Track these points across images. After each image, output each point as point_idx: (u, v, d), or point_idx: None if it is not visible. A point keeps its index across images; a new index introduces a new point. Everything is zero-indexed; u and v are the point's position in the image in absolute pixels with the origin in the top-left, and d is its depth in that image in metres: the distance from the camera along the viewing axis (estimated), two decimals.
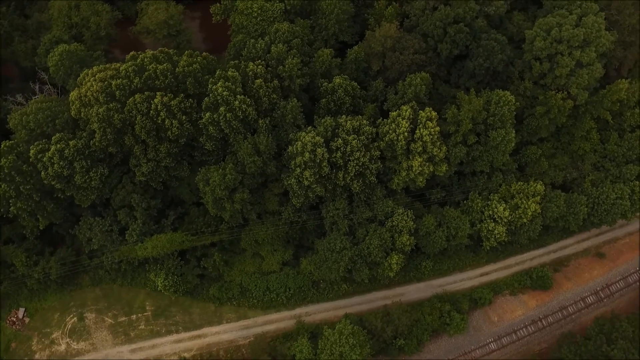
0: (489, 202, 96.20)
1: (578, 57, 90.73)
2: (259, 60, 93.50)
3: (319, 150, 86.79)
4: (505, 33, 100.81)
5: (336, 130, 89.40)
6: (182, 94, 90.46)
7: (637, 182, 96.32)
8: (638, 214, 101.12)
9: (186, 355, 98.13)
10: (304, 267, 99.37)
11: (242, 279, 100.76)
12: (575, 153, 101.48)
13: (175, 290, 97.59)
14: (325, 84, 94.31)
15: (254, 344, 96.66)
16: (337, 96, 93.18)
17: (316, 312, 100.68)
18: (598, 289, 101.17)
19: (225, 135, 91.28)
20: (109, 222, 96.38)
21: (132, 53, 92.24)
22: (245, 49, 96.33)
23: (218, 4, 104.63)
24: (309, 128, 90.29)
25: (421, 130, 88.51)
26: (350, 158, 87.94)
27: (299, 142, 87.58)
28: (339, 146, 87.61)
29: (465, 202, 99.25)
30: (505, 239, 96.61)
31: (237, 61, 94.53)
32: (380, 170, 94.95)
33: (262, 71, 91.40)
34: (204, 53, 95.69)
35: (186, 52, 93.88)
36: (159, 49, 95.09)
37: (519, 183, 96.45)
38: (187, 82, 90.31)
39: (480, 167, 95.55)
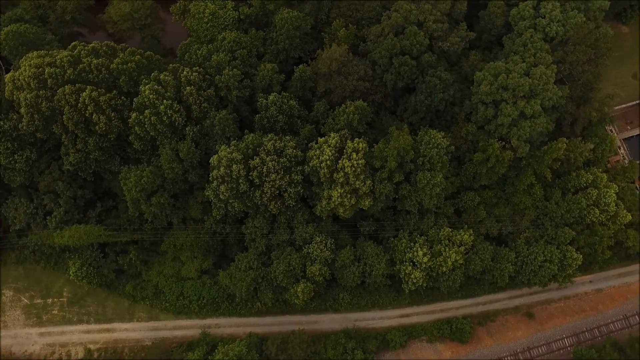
0: (413, 243, 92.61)
1: (522, 108, 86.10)
2: (197, 67, 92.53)
3: (234, 166, 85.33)
4: (461, 71, 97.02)
5: (258, 149, 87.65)
6: (115, 91, 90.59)
7: (571, 247, 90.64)
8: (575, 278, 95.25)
9: (91, 347, 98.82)
10: (221, 279, 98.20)
11: (158, 280, 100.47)
12: (517, 206, 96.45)
13: (89, 281, 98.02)
14: (262, 99, 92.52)
15: (154, 347, 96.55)
16: (270, 113, 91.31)
17: (226, 325, 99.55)
18: (518, 350, 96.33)
19: (153, 137, 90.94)
20: (35, 205, 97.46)
21: (73, 43, 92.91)
22: (187, 54, 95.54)
23: (178, 4, 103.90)
24: (233, 142, 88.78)
25: (344, 161, 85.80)
26: (267, 179, 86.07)
27: (216, 156, 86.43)
28: (256, 165, 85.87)
29: (393, 239, 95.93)
30: (425, 285, 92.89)
31: (177, 65, 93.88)
32: (306, 195, 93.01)
33: (197, 78, 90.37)
34: (148, 52, 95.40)
35: (128, 49, 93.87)
36: (105, 42, 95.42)
37: (446, 229, 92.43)
38: (121, 80, 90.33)
39: (408, 206, 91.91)
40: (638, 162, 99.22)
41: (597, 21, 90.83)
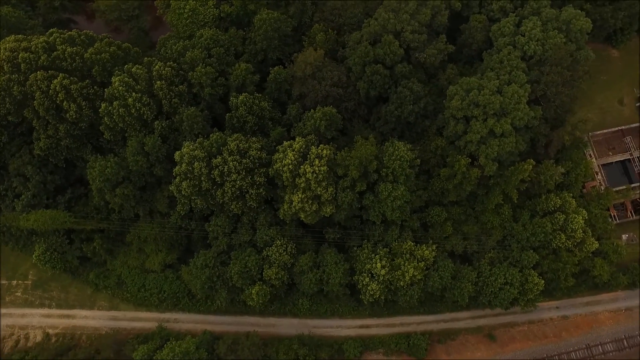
0: (374, 255, 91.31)
1: (491, 126, 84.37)
2: (171, 62, 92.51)
3: (196, 164, 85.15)
4: (438, 84, 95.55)
5: (221, 148, 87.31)
6: (88, 80, 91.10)
7: (534, 272, 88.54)
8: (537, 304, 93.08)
9: (50, 331, 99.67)
10: (183, 275, 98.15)
11: (122, 270, 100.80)
12: (485, 225, 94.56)
13: (53, 266, 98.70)
14: (233, 98, 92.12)
15: (110, 337, 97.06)
16: (240, 113, 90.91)
17: (185, 321, 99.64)
18: None
19: (123, 128, 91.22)
20: (5, 187, 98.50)
21: (51, 30, 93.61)
22: (164, 49, 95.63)
23: None
24: (199, 140, 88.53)
25: (306, 166, 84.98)
26: (227, 179, 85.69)
27: (179, 152, 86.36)
28: (218, 164, 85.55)
29: (356, 249, 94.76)
30: (382, 297, 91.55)
31: (152, 58, 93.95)
32: (270, 197, 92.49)
33: (169, 73, 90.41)
34: (125, 44, 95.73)
35: (105, 40, 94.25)
36: (84, 31, 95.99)
37: (409, 243, 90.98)
38: (94, 70, 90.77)
39: (372, 217, 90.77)
40: (614, 189, 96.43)
41: (578, 43, 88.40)
